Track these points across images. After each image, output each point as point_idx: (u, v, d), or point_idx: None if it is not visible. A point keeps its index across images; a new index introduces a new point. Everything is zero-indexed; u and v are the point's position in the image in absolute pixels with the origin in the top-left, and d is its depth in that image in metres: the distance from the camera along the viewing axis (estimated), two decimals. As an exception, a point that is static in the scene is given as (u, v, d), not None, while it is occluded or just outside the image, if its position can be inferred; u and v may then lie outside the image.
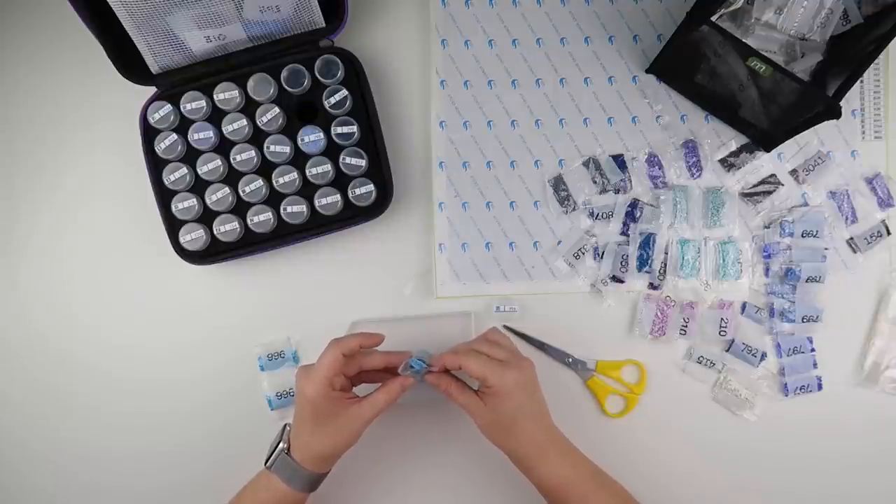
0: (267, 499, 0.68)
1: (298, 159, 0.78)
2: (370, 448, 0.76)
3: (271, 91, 0.77)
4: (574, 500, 0.67)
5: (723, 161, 0.81)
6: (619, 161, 0.81)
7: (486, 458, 0.73)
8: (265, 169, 0.78)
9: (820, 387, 0.80)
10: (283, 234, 0.79)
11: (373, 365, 0.70)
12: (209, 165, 0.77)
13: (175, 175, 0.77)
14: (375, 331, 0.71)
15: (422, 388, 0.70)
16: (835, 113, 0.68)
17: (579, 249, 0.81)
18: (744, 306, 0.81)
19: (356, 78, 0.78)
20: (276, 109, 0.77)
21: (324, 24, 0.77)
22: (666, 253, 0.81)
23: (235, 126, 0.77)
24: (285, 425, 0.71)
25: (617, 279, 0.80)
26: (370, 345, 0.70)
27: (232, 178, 0.78)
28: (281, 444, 0.69)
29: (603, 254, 0.81)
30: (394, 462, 0.80)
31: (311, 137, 0.77)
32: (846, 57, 0.73)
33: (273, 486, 0.68)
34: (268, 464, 0.69)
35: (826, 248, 0.80)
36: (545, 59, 0.82)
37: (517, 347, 0.72)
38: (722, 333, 0.80)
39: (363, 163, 0.77)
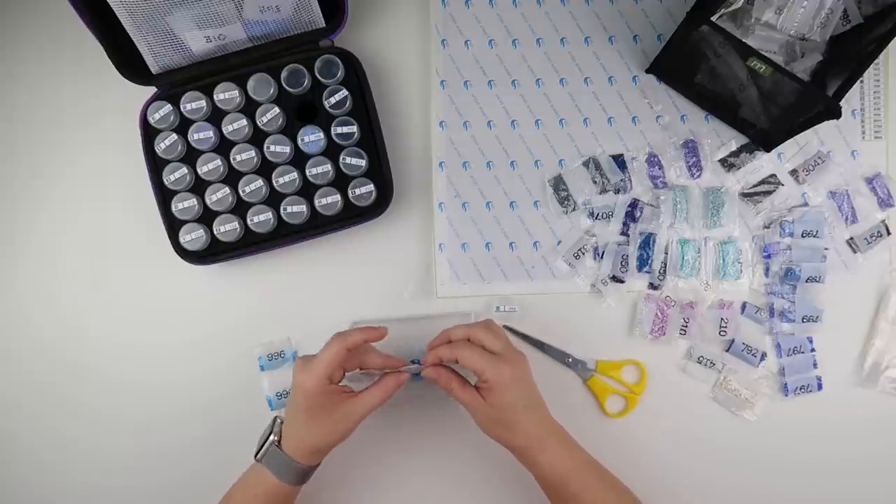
0: (258, 493, 0.68)
1: (298, 159, 0.78)
2: (366, 442, 0.76)
3: (271, 91, 0.77)
4: (574, 490, 0.68)
5: (723, 161, 0.81)
6: (619, 161, 0.81)
7: (483, 452, 0.73)
8: (265, 169, 0.78)
9: (820, 387, 0.80)
10: (283, 234, 0.79)
11: (372, 365, 0.70)
12: (209, 165, 0.77)
13: (175, 175, 0.77)
14: None
15: (419, 384, 0.70)
16: (835, 113, 0.68)
17: (579, 249, 0.81)
18: (744, 306, 0.81)
19: (356, 78, 0.78)
20: (276, 109, 0.77)
21: (324, 24, 0.77)
22: (666, 253, 0.81)
23: (235, 126, 0.77)
24: (275, 418, 0.70)
25: (617, 279, 0.80)
26: (374, 339, 0.69)
27: (232, 178, 0.78)
28: (272, 437, 0.68)
29: (603, 254, 0.81)
30: (390, 457, 0.80)
31: (311, 137, 0.77)
32: (846, 57, 0.73)
33: (263, 480, 0.67)
34: (258, 456, 0.69)
35: (826, 248, 0.80)
36: (545, 59, 0.82)
37: (511, 342, 0.71)
38: (722, 333, 0.80)
39: (363, 163, 0.77)
